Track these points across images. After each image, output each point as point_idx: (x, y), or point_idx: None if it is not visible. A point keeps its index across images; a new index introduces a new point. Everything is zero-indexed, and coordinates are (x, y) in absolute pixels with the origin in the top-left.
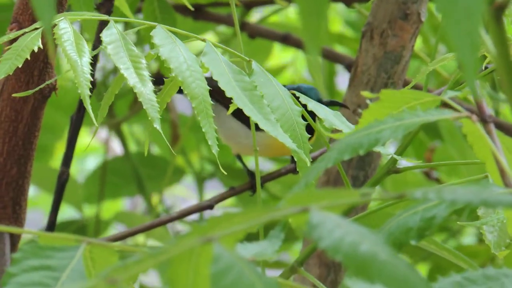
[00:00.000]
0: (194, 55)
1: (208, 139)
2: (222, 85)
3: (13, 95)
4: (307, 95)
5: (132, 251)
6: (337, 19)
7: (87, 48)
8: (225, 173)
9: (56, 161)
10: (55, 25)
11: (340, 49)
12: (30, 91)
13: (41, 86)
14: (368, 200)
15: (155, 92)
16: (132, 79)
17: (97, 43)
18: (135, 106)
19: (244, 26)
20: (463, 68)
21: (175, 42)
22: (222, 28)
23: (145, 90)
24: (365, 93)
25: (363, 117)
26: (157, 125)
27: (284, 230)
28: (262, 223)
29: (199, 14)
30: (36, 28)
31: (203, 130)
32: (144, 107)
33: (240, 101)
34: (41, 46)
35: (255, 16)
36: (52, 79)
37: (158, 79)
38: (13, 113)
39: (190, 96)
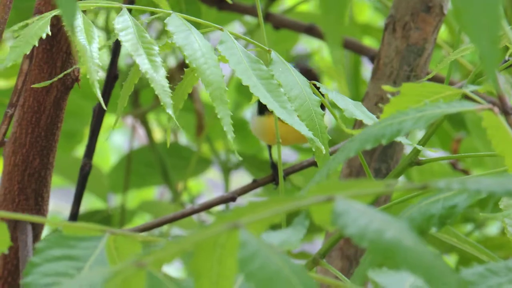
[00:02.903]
0: (209, 43)
1: (224, 125)
2: (238, 73)
3: (34, 85)
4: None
5: (156, 242)
6: (365, 7)
7: (97, 34)
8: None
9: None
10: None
11: (367, 40)
12: (50, 81)
13: (63, 74)
14: (392, 190)
15: (167, 77)
16: (144, 65)
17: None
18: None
19: (268, 17)
20: (483, 60)
21: (189, 29)
22: (249, 18)
23: (157, 76)
24: (386, 87)
25: (384, 111)
26: (170, 111)
27: (308, 218)
28: (287, 211)
29: (224, 5)
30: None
31: (218, 116)
32: (156, 93)
33: (256, 89)
34: (49, 33)
35: (280, 6)
36: (72, 68)
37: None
38: (36, 104)
39: (205, 83)
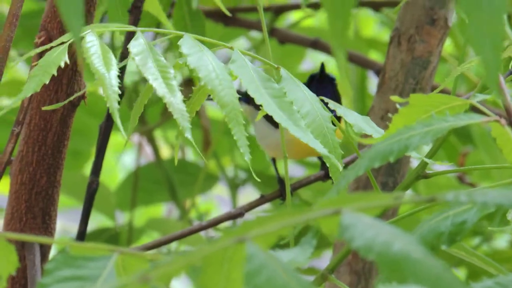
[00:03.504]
0: (223, 63)
1: (240, 147)
2: (251, 92)
3: (43, 108)
4: None
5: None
6: (371, 22)
7: (114, 60)
8: (258, 179)
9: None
10: (82, 37)
11: (373, 54)
12: (60, 104)
13: (71, 98)
14: (400, 203)
15: (184, 101)
16: (161, 89)
17: (126, 51)
18: (167, 112)
19: (273, 31)
20: (486, 69)
21: (203, 50)
22: (254, 33)
23: (175, 100)
24: (395, 98)
25: (393, 122)
26: (189, 135)
27: (316, 236)
28: (295, 225)
29: (230, 20)
30: (63, 42)
31: (235, 138)
32: (174, 117)
33: (269, 108)
34: (68, 61)
35: (286, 21)
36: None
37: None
38: (42, 122)
39: (221, 104)
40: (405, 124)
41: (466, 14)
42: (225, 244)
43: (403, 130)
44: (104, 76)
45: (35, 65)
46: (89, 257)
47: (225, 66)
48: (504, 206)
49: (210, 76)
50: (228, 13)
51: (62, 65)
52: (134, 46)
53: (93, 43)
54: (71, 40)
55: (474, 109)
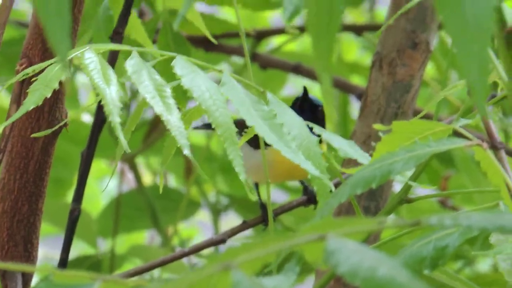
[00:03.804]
0: (215, 84)
1: (235, 166)
2: (242, 114)
3: (33, 135)
4: None
5: (147, 286)
6: (353, 46)
7: (114, 76)
8: (240, 205)
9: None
10: (71, 60)
11: (355, 78)
12: (43, 133)
13: (54, 128)
14: (384, 227)
15: (156, 118)
16: (158, 107)
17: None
18: (149, 139)
19: (255, 56)
20: (473, 91)
21: (196, 71)
22: (236, 58)
23: (172, 118)
24: (377, 126)
25: (377, 150)
26: (187, 152)
27: (299, 263)
28: (280, 250)
29: (211, 46)
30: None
31: (230, 157)
32: (172, 134)
33: (261, 129)
34: (70, 75)
35: (268, 46)
36: (62, 118)
37: None
38: (23, 149)
39: (215, 124)
40: (388, 151)
41: (452, 38)
42: (211, 272)
43: (386, 156)
44: (105, 91)
45: (34, 80)
46: (71, 285)
47: (218, 87)
48: (488, 229)
49: (204, 96)
50: (214, 41)
51: (63, 78)
52: (130, 66)
53: (92, 59)
54: (72, 56)
55: (456, 133)
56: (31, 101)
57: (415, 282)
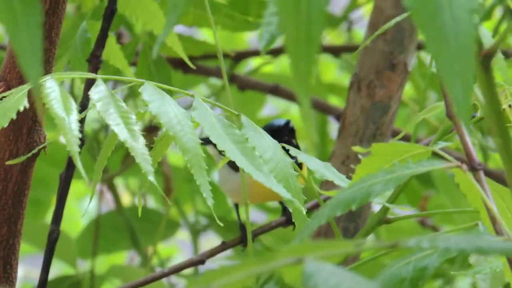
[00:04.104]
0: (184, 110)
1: (203, 192)
2: (213, 139)
3: (8, 162)
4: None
5: None
6: (331, 67)
7: (74, 105)
8: (221, 224)
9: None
10: (41, 85)
11: (333, 99)
12: (22, 158)
13: (33, 151)
14: (362, 249)
15: (146, 145)
16: (123, 134)
17: (85, 100)
18: (127, 160)
19: (233, 78)
20: (457, 108)
21: (164, 97)
22: (214, 80)
23: (137, 145)
24: (356, 148)
25: (356, 172)
26: (152, 178)
27: (278, 285)
28: (258, 273)
29: (189, 68)
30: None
31: (197, 183)
32: (137, 161)
33: (232, 154)
34: (27, 106)
35: (246, 67)
36: (40, 140)
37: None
38: (2, 172)
39: (183, 150)
40: (368, 173)
41: (434, 57)
42: None
43: (365, 178)
44: (64, 120)
45: None
46: None
47: (187, 113)
48: (466, 251)
49: (171, 122)
50: (192, 65)
51: (21, 109)
52: (95, 93)
53: (52, 89)
54: (30, 86)
55: (436, 153)
56: None
57: None
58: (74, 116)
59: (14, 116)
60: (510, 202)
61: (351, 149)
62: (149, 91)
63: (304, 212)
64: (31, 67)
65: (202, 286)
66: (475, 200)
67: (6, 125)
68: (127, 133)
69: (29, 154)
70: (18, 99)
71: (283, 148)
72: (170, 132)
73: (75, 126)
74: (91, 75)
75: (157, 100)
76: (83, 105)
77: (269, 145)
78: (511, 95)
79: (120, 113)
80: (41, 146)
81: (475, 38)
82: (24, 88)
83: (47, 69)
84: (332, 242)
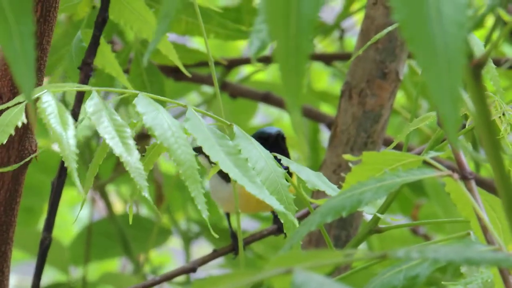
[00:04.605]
0: (178, 122)
1: (198, 204)
2: (206, 150)
3: (0, 170)
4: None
5: None
6: (323, 75)
7: (71, 120)
8: (215, 235)
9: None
10: (38, 98)
11: (325, 107)
12: (15, 166)
13: (26, 160)
14: (352, 260)
15: (138, 152)
16: (118, 148)
17: (76, 109)
18: (119, 167)
19: (225, 86)
20: (445, 122)
21: (158, 109)
22: (206, 88)
23: (132, 159)
24: (347, 156)
25: (347, 180)
26: (146, 194)
27: None
28: (247, 285)
29: (181, 75)
30: (19, 102)
31: (192, 195)
32: (131, 176)
33: (225, 165)
34: (25, 121)
35: (238, 75)
36: (32, 147)
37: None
38: None
39: (177, 162)
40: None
41: (423, 71)
42: None
43: (356, 186)
44: (61, 136)
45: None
46: None
47: (180, 124)
48: (455, 262)
49: (165, 134)
50: (188, 74)
51: (20, 125)
52: (90, 106)
53: (49, 103)
54: (26, 101)
55: (427, 162)
56: None
57: None
58: (72, 131)
59: (13, 132)
60: (500, 212)
61: (343, 157)
62: (143, 103)
63: (296, 224)
64: (25, 77)
65: None
66: (466, 209)
67: (5, 141)
68: (122, 147)
69: (21, 163)
70: (15, 115)
71: (275, 157)
72: (164, 144)
73: (72, 141)
74: (86, 88)
75: (151, 112)
76: (74, 114)
77: (261, 155)
78: (501, 106)
79: (115, 126)
80: (33, 155)
81: (464, 51)
82: (20, 102)
83: (39, 77)
84: (321, 252)
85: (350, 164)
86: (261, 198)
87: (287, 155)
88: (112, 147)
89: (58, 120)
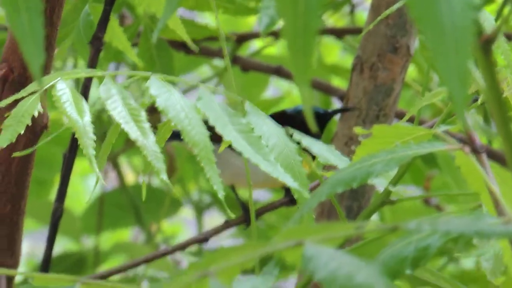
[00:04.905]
0: (190, 102)
1: (213, 184)
2: (219, 129)
3: (15, 154)
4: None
5: None
6: (335, 48)
7: (87, 106)
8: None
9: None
10: (52, 86)
11: (336, 80)
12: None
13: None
14: (363, 232)
15: (151, 127)
16: (133, 133)
17: (85, 88)
18: (130, 140)
19: (236, 59)
20: (453, 101)
21: (170, 91)
22: (217, 61)
23: (148, 143)
24: (358, 129)
25: (357, 154)
26: (164, 176)
27: (278, 265)
28: (258, 257)
29: (192, 49)
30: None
31: (207, 176)
32: (148, 160)
33: (238, 144)
34: (41, 111)
35: (249, 49)
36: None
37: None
38: (5, 152)
39: (191, 143)
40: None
41: (432, 51)
42: (189, 280)
43: (366, 158)
44: (78, 123)
45: (8, 115)
46: None
47: (193, 104)
48: (466, 234)
49: (179, 116)
50: (195, 47)
51: (36, 114)
52: (104, 91)
53: (64, 91)
54: (42, 90)
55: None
56: (5, 139)
57: None
58: (88, 117)
59: (30, 122)
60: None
61: (354, 130)
62: (156, 85)
63: (308, 197)
64: (33, 55)
65: (202, 271)
66: (476, 183)
67: (22, 132)
68: (137, 131)
69: (31, 149)
70: (31, 104)
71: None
72: (178, 126)
73: (89, 128)
74: (99, 73)
75: (164, 94)
76: (84, 93)
77: (273, 131)
78: None
79: (129, 110)
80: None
81: (472, 30)
82: (35, 90)
83: (50, 53)
84: (332, 225)
85: (360, 138)
86: (275, 176)
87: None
88: (128, 132)
89: (73, 108)
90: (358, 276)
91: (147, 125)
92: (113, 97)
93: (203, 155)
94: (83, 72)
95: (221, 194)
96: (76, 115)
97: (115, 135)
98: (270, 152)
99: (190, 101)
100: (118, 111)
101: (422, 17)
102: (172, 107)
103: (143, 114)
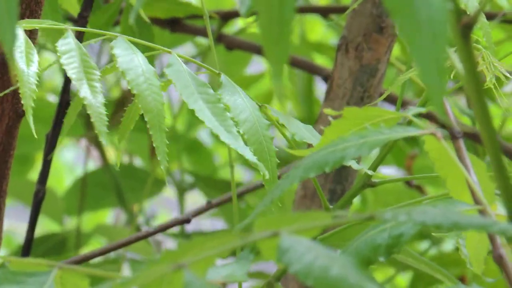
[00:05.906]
0: (153, 68)
1: (158, 154)
2: (185, 97)
3: None
4: None
5: (103, 276)
6: (318, 25)
7: (36, 57)
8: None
9: (36, 173)
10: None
11: (320, 58)
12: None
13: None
14: (340, 222)
15: (105, 104)
16: (83, 90)
17: None
18: (114, 118)
19: (221, 38)
20: (430, 92)
21: (135, 53)
22: (202, 39)
23: (95, 103)
24: (328, 111)
25: (325, 134)
26: (103, 139)
27: (253, 251)
28: (233, 248)
29: (176, 27)
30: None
31: (154, 144)
32: (92, 120)
33: (201, 113)
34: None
35: (234, 27)
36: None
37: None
38: None
39: (144, 109)
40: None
41: (408, 43)
42: (162, 271)
43: (338, 141)
44: (23, 72)
45: None
46: (29, 273)
47: (155, 71)
48: (443, 226)
49: (138, 80)
50: (170, 23)
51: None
52: (62, 45)
53: (17, 37)
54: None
55: (423, 115)
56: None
57: (366, 282)
58: (34, 68)
59: None
60: (484, 176)
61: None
62: (122, 46)
63: (268, 176)
64: (7, 33)
65: (175, 263)
66: (444, 168)
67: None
68: (88, 89)
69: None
70: None
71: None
72: (135, 90)
73: (33, 79)
74: (62, 26)
75: (127, 56)
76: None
77: (246, 106)
78: (488, 58)
79: (84, 67)
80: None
81: (449, 24)
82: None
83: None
84: (309, 214)
85: (330, 119)
86: (234, 148)
87: None
88: (78, 89)
89: (23, 56)
90: (333, 268)
91: (98, 84)
92: (70, 52)
93: (154, 122)
94: (46, 22)
95: (163, 166)
96: (24, 64)
97: (79, 107)
98: (240, 126)
99: (152, 68)
100: (72, 66)
101: (397, 10)
102: (132, 70)
103: (98, 73)
